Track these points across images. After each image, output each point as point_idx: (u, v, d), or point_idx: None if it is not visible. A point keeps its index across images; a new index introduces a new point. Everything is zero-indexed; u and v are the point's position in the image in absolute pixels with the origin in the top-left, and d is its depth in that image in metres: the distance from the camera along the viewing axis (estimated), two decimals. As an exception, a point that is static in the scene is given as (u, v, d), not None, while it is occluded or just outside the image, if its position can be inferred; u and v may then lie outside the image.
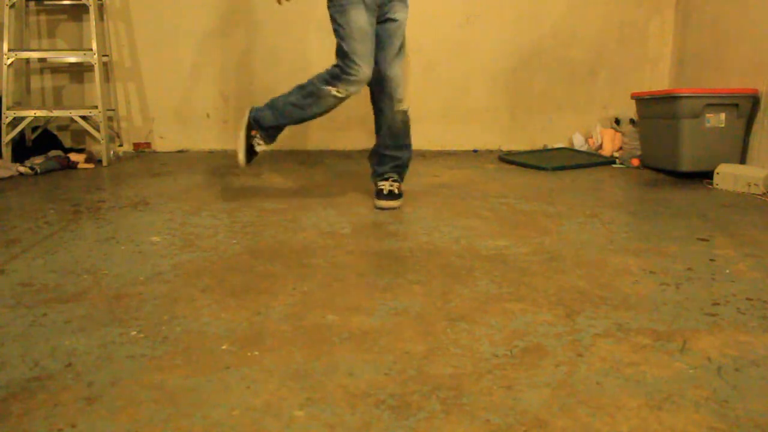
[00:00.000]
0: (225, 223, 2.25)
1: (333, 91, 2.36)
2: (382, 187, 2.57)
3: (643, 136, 3.60)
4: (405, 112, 2.56)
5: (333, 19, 2.39)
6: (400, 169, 2.64)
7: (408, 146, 2.65)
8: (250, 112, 2.53)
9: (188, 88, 4.10)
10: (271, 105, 2.50)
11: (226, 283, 1.63)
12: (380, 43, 2.45)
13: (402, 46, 2.51)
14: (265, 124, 2.49)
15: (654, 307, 1.49)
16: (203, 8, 4.02)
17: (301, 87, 2.45)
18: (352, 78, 2.34)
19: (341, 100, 2.39)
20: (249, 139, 2.51)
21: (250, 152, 2.53)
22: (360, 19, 2.33)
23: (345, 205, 2.57)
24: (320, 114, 2.46)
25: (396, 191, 2.56)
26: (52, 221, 2.27)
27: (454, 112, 4.28)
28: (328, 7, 2.40)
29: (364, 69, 2.35)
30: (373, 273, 1.72)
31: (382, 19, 2.44)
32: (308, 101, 2.42)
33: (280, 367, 1.18)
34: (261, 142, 2.52)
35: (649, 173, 3.44)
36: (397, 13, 2.44)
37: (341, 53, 2.37)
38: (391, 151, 2.60)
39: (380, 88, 2.51)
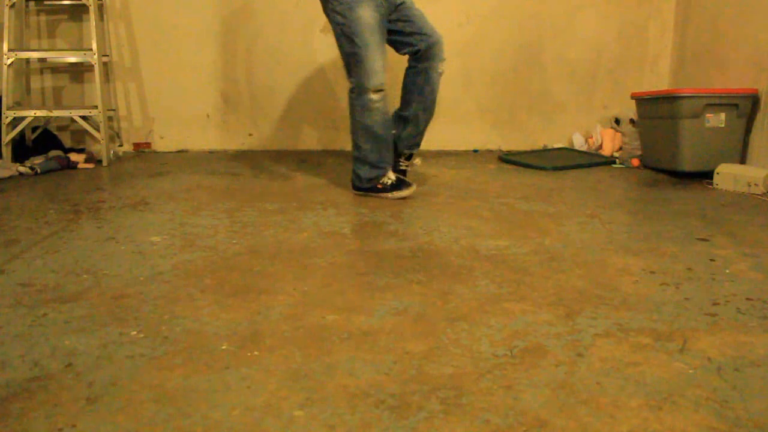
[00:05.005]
0: (225, 223, 2.25)
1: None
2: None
3: (643, 136, 3.60)
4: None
5: None
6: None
7: None
8: (359, 186, 2.69)
9: (188, 88, 4.09)
10: (360, 155, 2.64)
11: (226, 283, 1.63)
12: None
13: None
14: (373, 162, 2.64)
15: (654, 307, 1.49)
16: (203, 8, 4.02)
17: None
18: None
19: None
20: (380, 185, 2.66)
21: (395, 184, 2.66)
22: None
23: (345, 205, 2.57)
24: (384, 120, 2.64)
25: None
26: (52, 221, 2.26)
27: (454, 112, 4.27)
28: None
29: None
30: (373, 273, 1.72)
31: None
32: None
33: (280, 367, 1.18)
34: (389, 171, 2.67)
35: (649, 173, 3.44)
36: None
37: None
38: None
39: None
